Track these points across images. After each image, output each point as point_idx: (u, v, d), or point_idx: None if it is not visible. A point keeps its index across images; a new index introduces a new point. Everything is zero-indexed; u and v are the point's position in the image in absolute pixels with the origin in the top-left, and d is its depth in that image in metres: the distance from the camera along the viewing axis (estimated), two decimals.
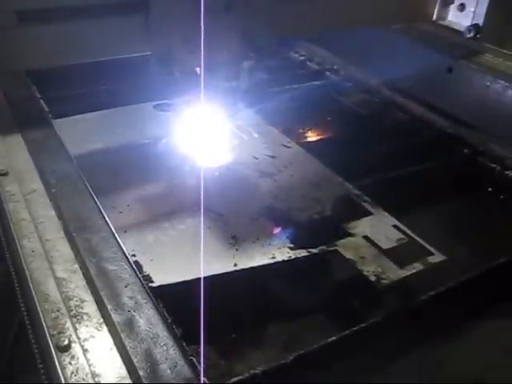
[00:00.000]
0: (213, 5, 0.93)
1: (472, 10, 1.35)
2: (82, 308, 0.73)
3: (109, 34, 0.97)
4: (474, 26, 1.33)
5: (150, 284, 0.80)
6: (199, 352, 0.76)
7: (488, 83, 1.30)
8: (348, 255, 0.94)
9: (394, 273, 0.90)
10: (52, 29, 0.90)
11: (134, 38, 0.99)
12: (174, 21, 0.94)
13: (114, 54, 1.02)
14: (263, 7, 1.02)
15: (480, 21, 1.33)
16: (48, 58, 0.94)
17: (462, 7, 1.37)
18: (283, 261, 0.92)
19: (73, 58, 0.97)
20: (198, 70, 1.00)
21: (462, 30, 1.37)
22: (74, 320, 0.71)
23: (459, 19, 1.38)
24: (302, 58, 1.83)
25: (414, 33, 1.53)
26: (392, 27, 1.52)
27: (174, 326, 0.72)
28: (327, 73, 1.73)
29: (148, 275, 0.82)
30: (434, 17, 1.40)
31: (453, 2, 1.39)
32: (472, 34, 1.32)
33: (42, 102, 1.30)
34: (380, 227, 1.01)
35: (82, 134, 1.22)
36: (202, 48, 0.92)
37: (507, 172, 1.24)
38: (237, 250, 0.93)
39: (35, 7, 0.85)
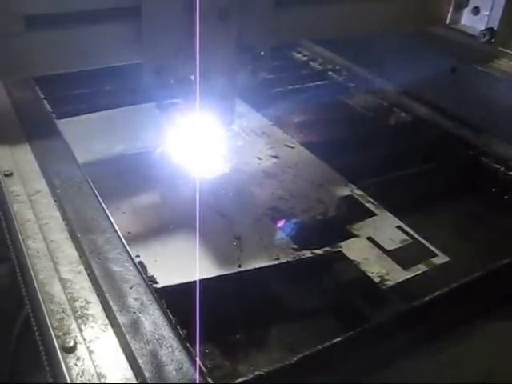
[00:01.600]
0: (207, 12, 0.91)
1: (486, 13, 1.31)
2: (87, 309, 0.74)
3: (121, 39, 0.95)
4: (489, 30, 1.29)
5: (154, 285, 0.80)
6: (204, 353, 0.76)
7: (492, 84, 1.29)
8: (352, 256, 0.94)
9: (398, 274, 0.90)
10: (61, 34, 0.89)
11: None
12: (167, 30, 0.93)
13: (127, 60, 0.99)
14: (259, 14, 1.00)
15: (495, 25, 1.29)
16: (56, 66, 0.92)
17: (476, 11, 1.33)
18: (287, 262, 0.92)
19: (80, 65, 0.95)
20: (192, 77, 0.99)
21: (476, 34, 1.33)
22: (80, 321, 0.72)
23: (473, 23, 1.34)
24: (306, 58, 1.83)
25: (422, 35, 1.51)
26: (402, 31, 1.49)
27: (178, 327, 0.72)
28: (330, 73, 1.73)
29: (152, 276, 0.83)
30: (448, 20, 1.36)
31: (467, 6, 1.35)
32: (486, 39, 1.28)
33: (45, 102, 1.30)
34: (384, 228, 1.01)
35: (86, 134, 1.22)
36: (198, 56, 0.92)
37: (511, 173, 1.24)
38: (241, 251, 0.93)
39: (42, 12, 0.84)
